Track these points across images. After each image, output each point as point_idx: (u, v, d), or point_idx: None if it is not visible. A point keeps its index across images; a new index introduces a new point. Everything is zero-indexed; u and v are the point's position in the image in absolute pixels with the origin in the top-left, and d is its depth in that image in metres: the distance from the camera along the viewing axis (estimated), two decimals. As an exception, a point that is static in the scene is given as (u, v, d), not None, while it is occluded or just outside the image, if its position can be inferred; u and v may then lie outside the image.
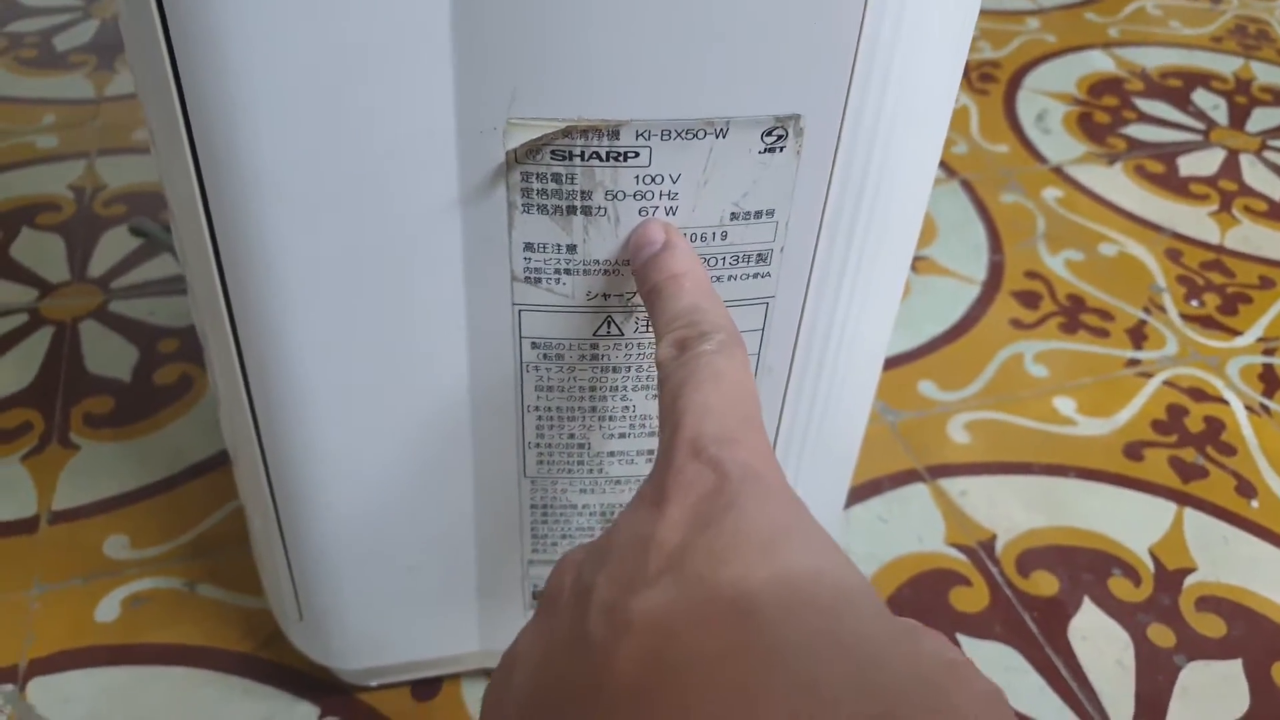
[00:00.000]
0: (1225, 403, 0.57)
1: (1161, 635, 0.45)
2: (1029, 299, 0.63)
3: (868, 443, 0.51)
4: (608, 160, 0.26)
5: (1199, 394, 0.57)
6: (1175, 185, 0.73)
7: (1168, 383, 0.58)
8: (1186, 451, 0.54)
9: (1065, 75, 0.85)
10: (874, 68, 0.26)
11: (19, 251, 0.63)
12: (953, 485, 0.52)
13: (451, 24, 0.23)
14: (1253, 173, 0.75)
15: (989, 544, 0.49)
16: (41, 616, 0.44)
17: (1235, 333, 0.61)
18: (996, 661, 0.44)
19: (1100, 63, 0.87)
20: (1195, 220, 0.70)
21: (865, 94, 0.26)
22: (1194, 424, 0.55)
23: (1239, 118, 0.81)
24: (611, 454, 0.31)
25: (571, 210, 0.26)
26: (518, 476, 0.32)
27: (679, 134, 0.25)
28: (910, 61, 0.26)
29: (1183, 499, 0.51)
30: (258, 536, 0.38)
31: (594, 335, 0.29)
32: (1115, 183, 0.73)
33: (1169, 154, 0.76)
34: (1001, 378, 0.57)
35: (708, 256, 0.28)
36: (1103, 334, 0.61)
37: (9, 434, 0.52)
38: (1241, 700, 0.43)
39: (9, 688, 0.41)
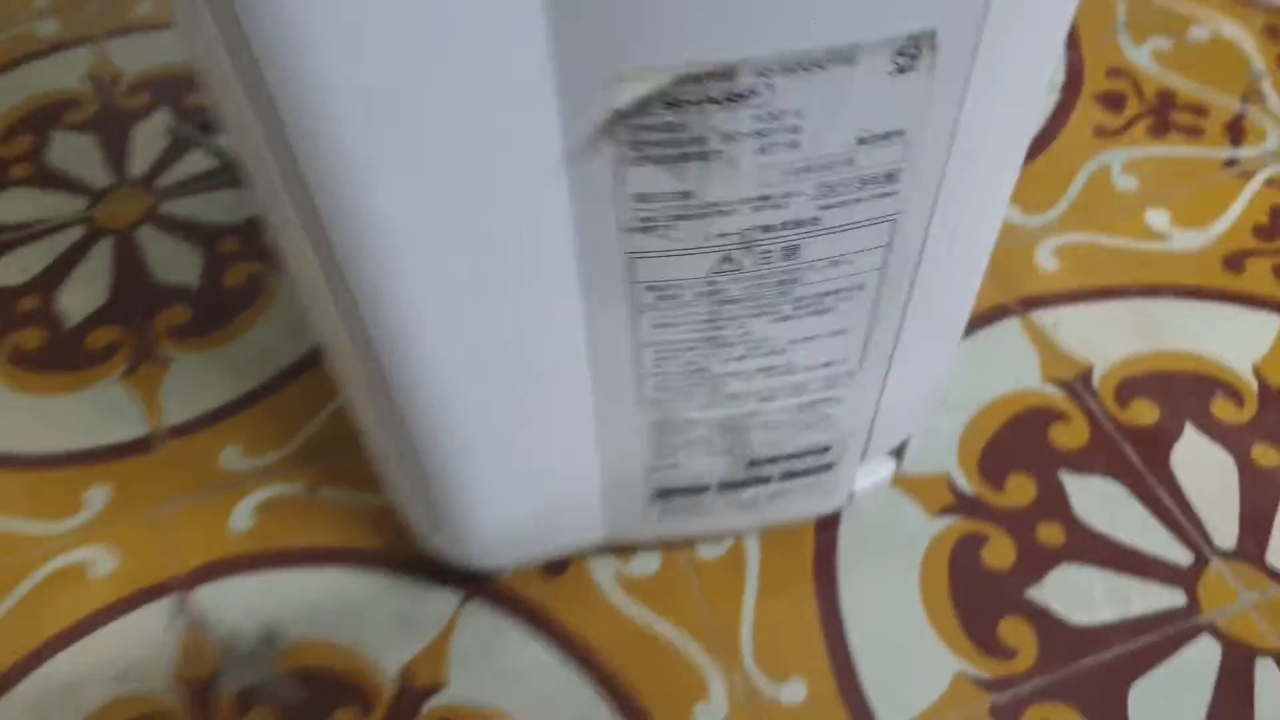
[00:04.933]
0: (1328, 199, 0.59)
1: (1266, 455, 0.50)
2: (1113, 101, 0.64)
3: None
4: (724, 103, 0.28)
5: (1300, 192, 0.60)
6: (1273, -53, 0.73)
7: (1270, 182, 0.60)
8: (1287, 258, 0.57)
9: None
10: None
11: (56, 158, 0.66)
12: (1045, 317, 0.55)
13: None
14: (1360, -78, 0.74)
15: (1085, 376, 0.53)
16: (180, 531, 0.50)
17: (1338, 117, 0.63)
18: (1101, 494, 0.49)
19: None
20: (1295, -12, 0.70)
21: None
22: (1294, 226, 0.58)
23: None
24: (730, 374, 0.36)
25: (685, 158, 0.29)
26: (636, 400, 0.37)
27: (802, 67, 0.28)
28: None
29: (1283, 309, 0.55)
30: (387, 460, 0.44)
31: (710, 273, 0.32)
32: (1206, -50, 0.73)
33: (1266, -92, 0.75)
34: (1088, 195, 0.60)
35: (832, 183, 0.31)
36: (1197, 133, 0.63)
37: (100, 354, 0.57)
38: (1342, 510, 0.48)
39: (172, 599, 0.48)
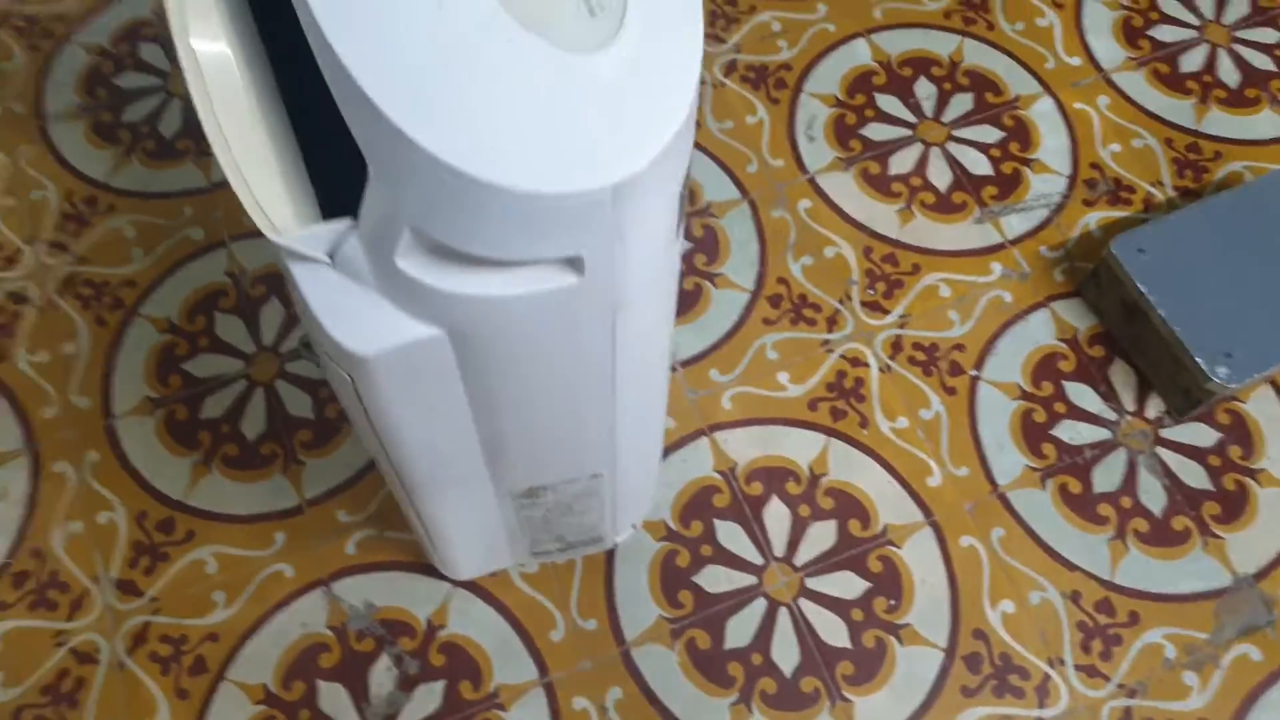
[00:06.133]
0: (868, 365, 1.16)
1: (805, 511, 1.09)
2: (775, 301, 1.19)
3: (680, 414, 1.12)
4: (545, 492, 0.85)
5: (856, 361, 1.16)
6: (882, 185, 1.25)
7: (842, 355, 1.16)
8: (840, 402, 1.14)
9: (834, 74, 1.32)
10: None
11: (221, 331, 1.20)
12: (721, 435, 1.13)
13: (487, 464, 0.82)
14: (935, 166, 1.26)
15: (733, 468, 1.12)
16: (322, 555, 1.09)
17: (888, 312, 1.18)
18: (729, 530, 1.09)
19: (861, 54, 1.33)
20: (887, 218, 1.23)
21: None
22: (848, 383, 1.15)
23: (941, 106, 1.29)
24: (554, 527, 0.94)
25: (536, 494, 0.87)
26: (521, 534, 0.95)
27: (566, 482, 0.85)
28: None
29: (831, 432, 1.13)
30: (415, 528, 1.02)
31: (544, 512, 0.90)
32: (845, 188, 1.25)
33: (885, 154, 1.27)
34: (753, 362, 1.16)
35: (577, 494, 0.88)
36: (812, 323, 1.18)
37: (268, 459, 1.14)
38: (831, 538, 1.08)
39: (322, 590, 1.07)
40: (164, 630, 1.06)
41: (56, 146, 1.29)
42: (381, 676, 1.04)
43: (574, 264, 0.59)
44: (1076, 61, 1.33)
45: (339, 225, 0.59)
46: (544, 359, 0.67)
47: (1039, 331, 1.18)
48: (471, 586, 1.07)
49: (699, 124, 1.29)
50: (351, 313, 0.62)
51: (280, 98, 0.67)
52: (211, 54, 0.64)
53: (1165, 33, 1.37)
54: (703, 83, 1.32)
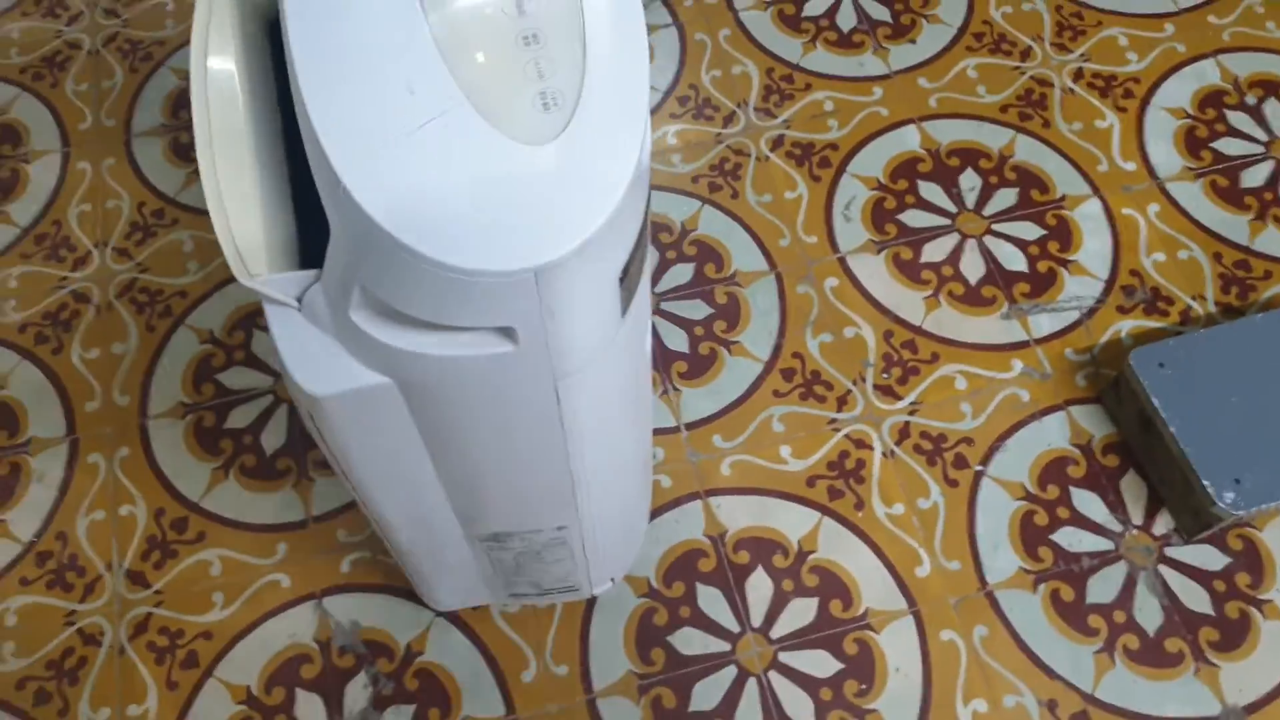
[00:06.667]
0: (872, 448, 1.15)
1: (788, 585, 1.09)
2: (788, 374, 1.20)
3: (678, 474, 1.13)
4: (509, 538, 0.87)
5: (860, 443, 1.15)
6: (912, 272, 1.25)
7: (847, 436, 1.16)
8: (838, 482, 1.14)
9: (881, 157, 1.32)
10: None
11: (257, 347, 1.26)
12: (715, 501, 1.14)
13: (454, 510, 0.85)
14: (969, 258, 1.25)
15: (723, 534, 1.12)
16: (318, 571, 1.13)
17: (900, 398, 1.18)
18: (710, 595, 1.09)
19: (910, 140, 1.33)
20: (913, 304, 1.23)
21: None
22: (850, 464, 1.14)
23: (984, 199, 1.29)
24: (526, 572, 0.96)
25: (500, 538, 0.89)
26: (497, 576, 0.97)
27: (529, 531, 0.87)
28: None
29: (825, 510, 1.12)
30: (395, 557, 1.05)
31: (514, 556, 0.92)
32: (875, 270, 1.25)
33: (920, 240, 1.27)
34: (757, 432, 1.17)
35: (545, 544, 0.90)
36: (822, 399, 1.18)
37: (282, 473, 1.18)
38: (810, 615, 1.07)
39: (313, 603, 1.11)
40: (164, 622, 1.10)
41: (137, 160, 1.37)
42: (357, 693, 1.06)
43: (509, 333, 0.61)
44: (1131, 166, 1.31)
45: (306, 275, 0.63)
46: (489, 416, 0.70)
47: (1053, 434, 1.15)
48: (453, 618, 1.09)
49: (736, 195, 1.31)
50: (312, 356, 0.65)
51: (284, 139, 0.71)
52: (223, 82, 0.68)
53: (1230, 146, 1.34)
54: (745, 155, 1.34)
